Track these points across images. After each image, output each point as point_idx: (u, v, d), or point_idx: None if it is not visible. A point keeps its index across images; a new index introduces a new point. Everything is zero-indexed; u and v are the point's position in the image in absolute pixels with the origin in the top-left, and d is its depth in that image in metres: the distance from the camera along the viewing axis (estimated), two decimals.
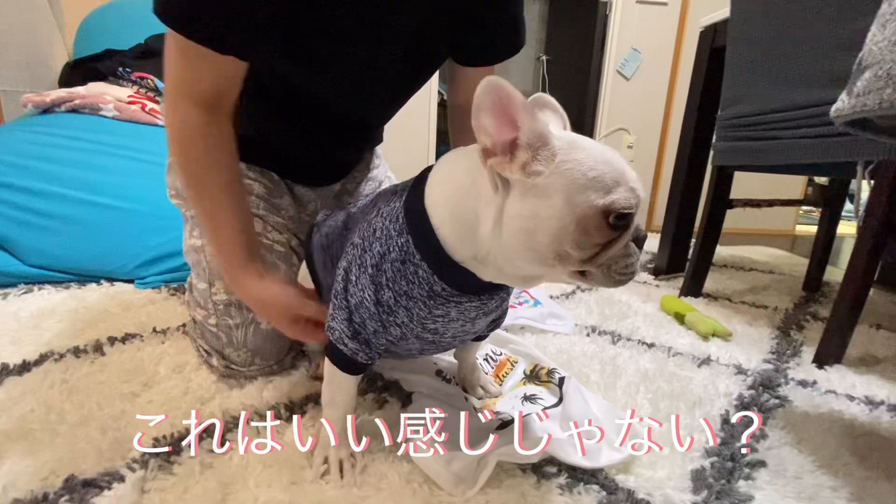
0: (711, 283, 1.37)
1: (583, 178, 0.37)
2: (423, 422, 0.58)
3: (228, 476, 0.50)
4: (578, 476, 0.52)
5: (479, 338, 0.67)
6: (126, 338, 0.82)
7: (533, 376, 0.74)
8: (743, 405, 0.70)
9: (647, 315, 1.07)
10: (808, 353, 0.89)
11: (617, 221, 0.37)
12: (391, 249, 0.45)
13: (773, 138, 0.94)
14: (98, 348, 0.77)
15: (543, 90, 3.16)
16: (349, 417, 0.54)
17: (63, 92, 1.31)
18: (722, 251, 1.92)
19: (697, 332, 0.97)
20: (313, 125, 0.73)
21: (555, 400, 0.67)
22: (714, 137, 1.15)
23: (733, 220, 1.26)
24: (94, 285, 1.09)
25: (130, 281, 1.13)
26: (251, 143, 0.72)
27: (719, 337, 0.96)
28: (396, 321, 0.47)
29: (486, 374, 0.75)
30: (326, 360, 0.52)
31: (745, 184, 1.30)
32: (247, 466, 0.52)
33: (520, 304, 1.06)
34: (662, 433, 0.61)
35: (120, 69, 1.47)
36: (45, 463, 0.50)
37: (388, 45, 0.64)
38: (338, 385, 0.52)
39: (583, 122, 2.64)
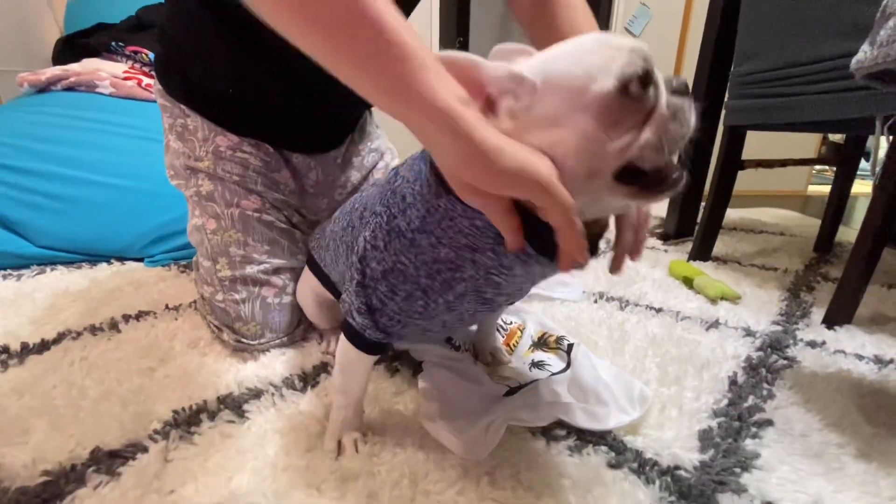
0: (721, 246, 1.35)
1: (576, 78, 0.34)
2: (433, 391, 0.59)
3: (248, 445, 0.52)
4: (587, 438, 0.53)
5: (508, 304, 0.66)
6: (140, 315, 0.83)
7: (541, 343, 0.74)
8: (751, 367, 0.70)
9: (655, 280, 1.07)
10: (818, 314, 0.89)
11: (640, 89, 0.33)
12: (433, 210, 0.41)
13: (789, 94, 0.90)
14: (114, 326, 0.79)
15: None
16: (360, 400, 0.53)
17: (58, 69, 1.29)
18: (731, 214, 1.88)
19: (706, 296, 0.97)
20: (302, 71, 0.64)
21: (563, 366, 0.67)
22: (727, 96, 1.11)
23: (744, 182, 1.23)
24: (104, 265, 1.11)
25: (140, 260, 1.14)
26: (242, 111, 0.70)
27: (728, 300, 0.96)
28: (464, 276, 0.43)
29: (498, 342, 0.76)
30: (340, 343, 0.50)
31: (756, 143, 1.26)
32: (264, 435, 0.54)
33: None
34: (671, 396, 0.62)
35: (113, 44, 1.43)
36: (70, 436, 0.52)
37: None
38: (351, 367, 0.51)
39: None
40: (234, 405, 0.58)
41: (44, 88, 1.26)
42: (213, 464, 0.49)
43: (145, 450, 0.51)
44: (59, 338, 0.75)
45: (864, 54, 0.55)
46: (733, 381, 0.66)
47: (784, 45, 0.91)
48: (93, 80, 1.26)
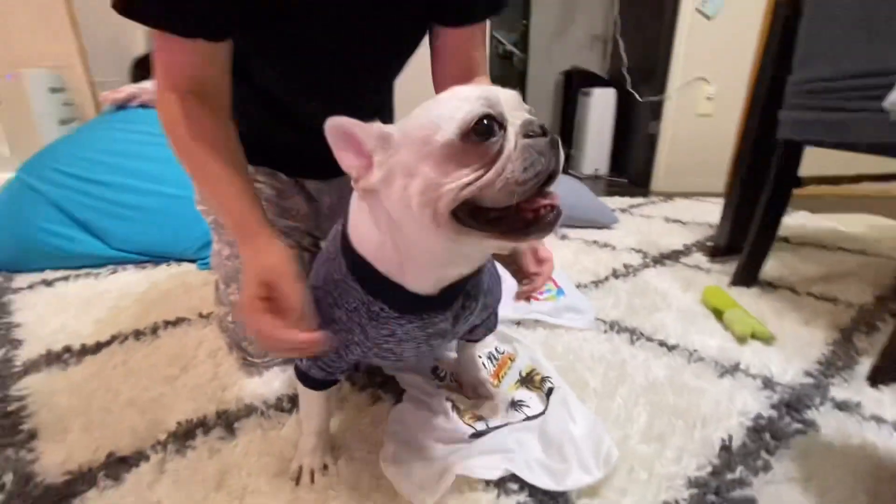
0: (777, 266, 1.22)
1: (424, 129, 0.37)
2: (398, 431, 0.62)
3: (230, 463, 0.59)
4: (538, 496, 0.53)
5: (476, 340, 0.68)
6: (178, 321, 0.95)
7: (527, 380, 0.74)
8: (756, 428, 0.64)
9: (681, 309, 0.99)
10: (867, 364, 0.78)
11: (480, 132, 0.35)
12: (333, 271, 0.48)
13: (847, 109, 0.78)
14: (154, 331, 0.91)
15: (615, 34, 2.84)
16: (323, 430, 0.58)
17: (133, 88, 1.46)
18: (807, 222, 1.68)
19: (733, 334, 0.89)
20: (306, 106, 0.71)
21: (541, 409, 0.67)
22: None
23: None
24: (164, 266, 1.26)
25: (194, 261, 1.29)
26: (254, 145, 0.76)
27: (760, 339, 0.87)
28: (354, 339, 0.49)
29: (488, 372, 0.76)
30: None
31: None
32: (246, 454, 0.60)
33: (541, 293, 1.03)
34: (647, 455, 0.59)
35: None
36: (95, 439, 0.63)
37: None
38: (307, 400, 0.57)
39: (654, 70, 2.35)
40: (228, 422, 0.65)
41: (122, 106, 1.44)
42: (197, 479, 0.56)
43: (147, 459, 0.59)
44: (111, 340, 0.88)
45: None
46: (725, 446, 0.60)
47: (849, 50, 0.78)
48: None
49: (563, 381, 0.71)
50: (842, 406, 0.68)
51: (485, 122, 0.35)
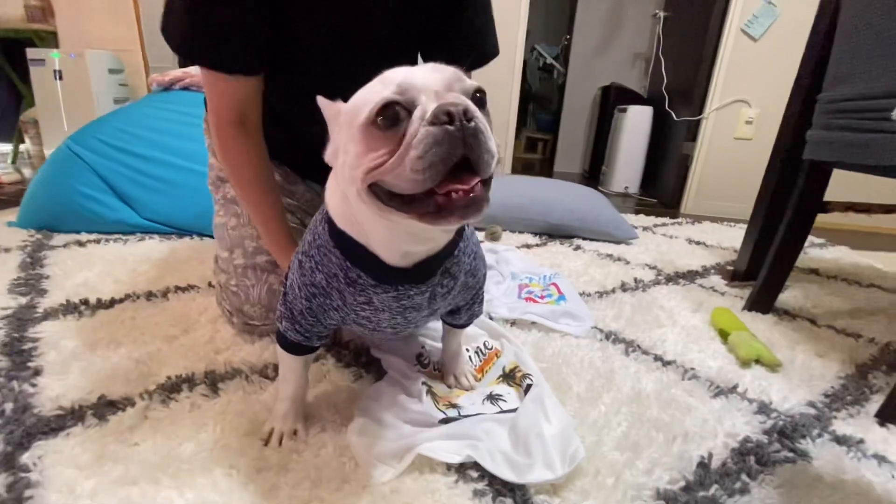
0: (801, 295, 1.16)
1: (352, 111, 0.39)
2: (370, 406, 0.63)
3: (207, 418, 0.61)
4: (496, 487, 0.52)
5: (460, 326, 0.68)
6: (188, 288, 1.00)
7: (510, 376, 0.73)
8: (741, 451, 0.61)
9: (685, 328, 0.95)
10: (879, 403, 0.72)
11: (384, 119, 0.36)
12: (317, 237, 0.50)
13: (882, 131, 0.73)
14: (165, 294, 0.96)
15: (657, 51, 2.80)
16: (298, 397, 0.60)
17: (179, 72, 1.56)
18: (843, 257, 1.58)
19: (736, 357, 0.85)
20: (309, 129, 0.78)
21: (517, 405, 0.66)
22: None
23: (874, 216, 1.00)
24: (187, 238, 1.33)
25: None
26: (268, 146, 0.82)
27: (765, 365, 0.83)
28: (333, 304, 0.51)
29: (473, 366, 0.76)
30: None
31: (860, 178, 1.04)
32: (223, 412, 0.62)
33: (542, 297, 1.02)
34: (616, 462, 0.57)
35: None
36: (91, 381, 0.67)
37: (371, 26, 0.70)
38: (284, 364, 0.58)
39: (692, 90, 2.29)
40: (213, 381, 0.68)
41: (168, 87, 1.54)
42: (175, 428, 0.59)
43: (133, 405, 0.62)
44: (124, 298, 0.93)
45: None
46: (703, 463, 0.58)
47: (873, 70, 0.74)
48: (200, 81, 1.50)
49: (544, 381, 0.70)
50: (841, 440, 0.64)
51: (389, 109, 0.35)
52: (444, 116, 0.34)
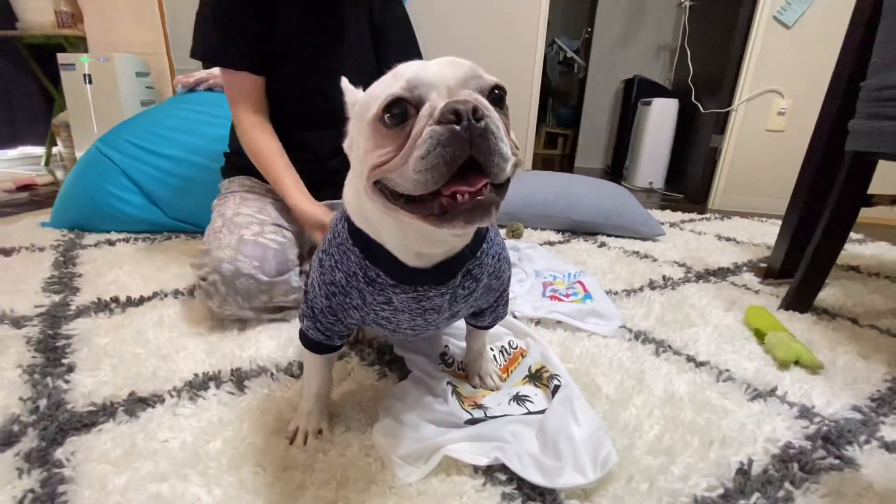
0: (841, 294, 1.10)
1: (363, 106, 0.38)
2: (395, 406, 0.62)
3: (233, 415, 0.61)
4: (525, 490, 0.51)
5: (484, 327, 0.67)
6: None
7: (536, 377, 0.71)
8: (783, 458, 0.58)
9: (718, 327, 0.92)
10: None
11: (390, 117, 0.35)
12: (337, 234, 0.49)
13: None
14: (191, 292, 0.97)
15: (683, 42, 2.71)
16: (322, 395, 0.59)
17: (203, 73, 1.58)
18: (885, 253, 1.50)
19: (774, 358, 0.81)
20: (306, 137, 0.95)
21: (545, 406, 0.64)
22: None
23: None
24: None
25: None
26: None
27: (805, 367, 0.79)
28: (352, 303, 0.50)
29: (498, 366, 0.75)
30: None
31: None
32: (249, 410, 0.63)
33: (567, 295, 1.00)
34: (651, 467, 0.55)
35: None
36: (122, 378, 0.68)
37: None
38: (308, 363, 0.58)
39: (720, 81, 2.21)
40: (239, 379, 0.68)
41: (192, 89, 1.56)
42: (202, 425, 0.59)
43: (163, 401, 0.63)
44: (153, 296, 0.95)
45: None
46: (742, 470, 0.55)
47: None
48: (221, 82, 1.52)
49: (572, 382, 0.68)
50: (891, 447, 0.60)
51: (396, 105, 0.34)
52: (452, 115, 0.32)
